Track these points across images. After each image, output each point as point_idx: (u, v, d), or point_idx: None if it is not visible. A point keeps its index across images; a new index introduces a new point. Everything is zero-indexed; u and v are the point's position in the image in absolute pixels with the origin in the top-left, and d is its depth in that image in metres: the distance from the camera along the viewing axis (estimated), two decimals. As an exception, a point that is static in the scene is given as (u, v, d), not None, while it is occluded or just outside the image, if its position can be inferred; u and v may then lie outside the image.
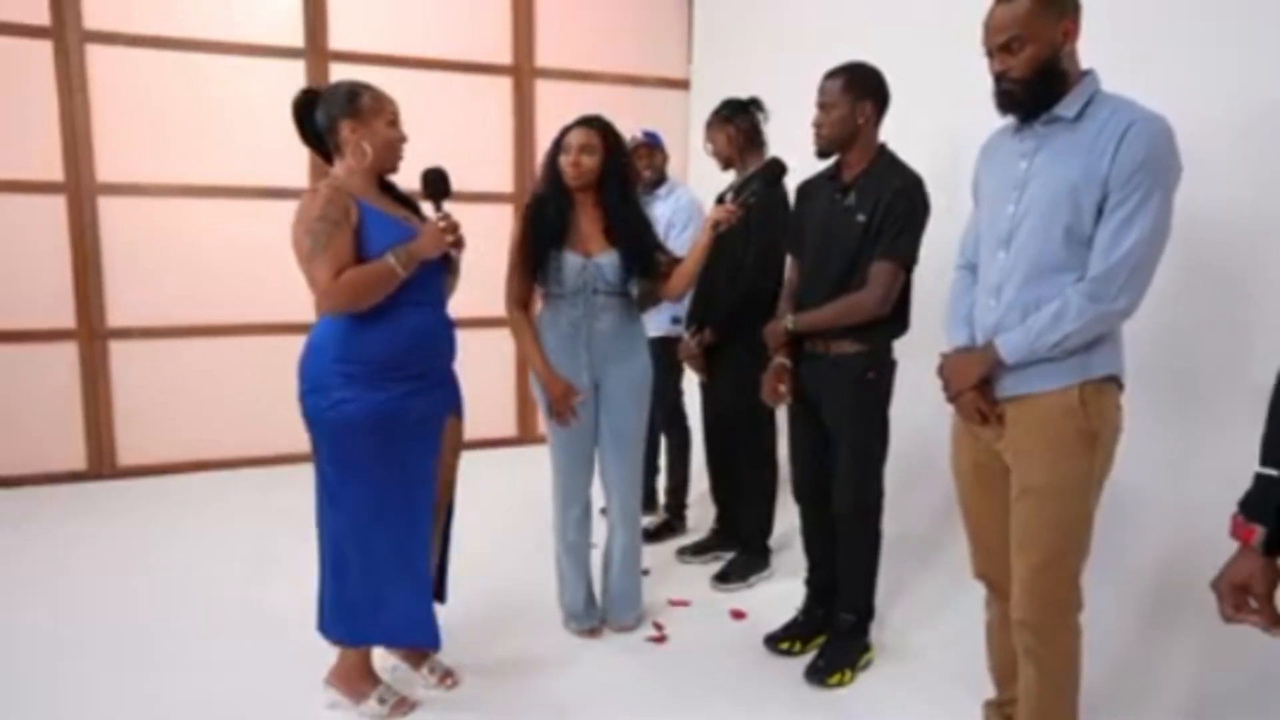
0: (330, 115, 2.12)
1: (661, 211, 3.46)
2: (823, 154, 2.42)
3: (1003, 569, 1.94)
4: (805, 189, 2.60)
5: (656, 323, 3.40)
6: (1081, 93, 1.71)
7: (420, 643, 2.37)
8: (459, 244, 2.19)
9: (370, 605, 2.23)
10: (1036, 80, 1.70)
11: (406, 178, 2.28)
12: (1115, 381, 1.78)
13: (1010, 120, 1.86)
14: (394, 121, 2.17)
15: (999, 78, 1.74)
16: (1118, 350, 1.79)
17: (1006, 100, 1.75)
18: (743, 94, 3.20)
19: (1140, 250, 1.63)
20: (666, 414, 3.64)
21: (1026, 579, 1.80)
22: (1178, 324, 2.26)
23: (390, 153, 2.17)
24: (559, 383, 2.56)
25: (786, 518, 3.20)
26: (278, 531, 3.56)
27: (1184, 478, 2.27)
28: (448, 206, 2.23)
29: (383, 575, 2.22)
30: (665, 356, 3.46)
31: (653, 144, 3.58)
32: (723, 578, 3.17)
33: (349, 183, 2.13)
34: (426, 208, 2.25)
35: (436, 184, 2.23)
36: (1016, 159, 1.80)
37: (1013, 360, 1.75)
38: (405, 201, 2.28)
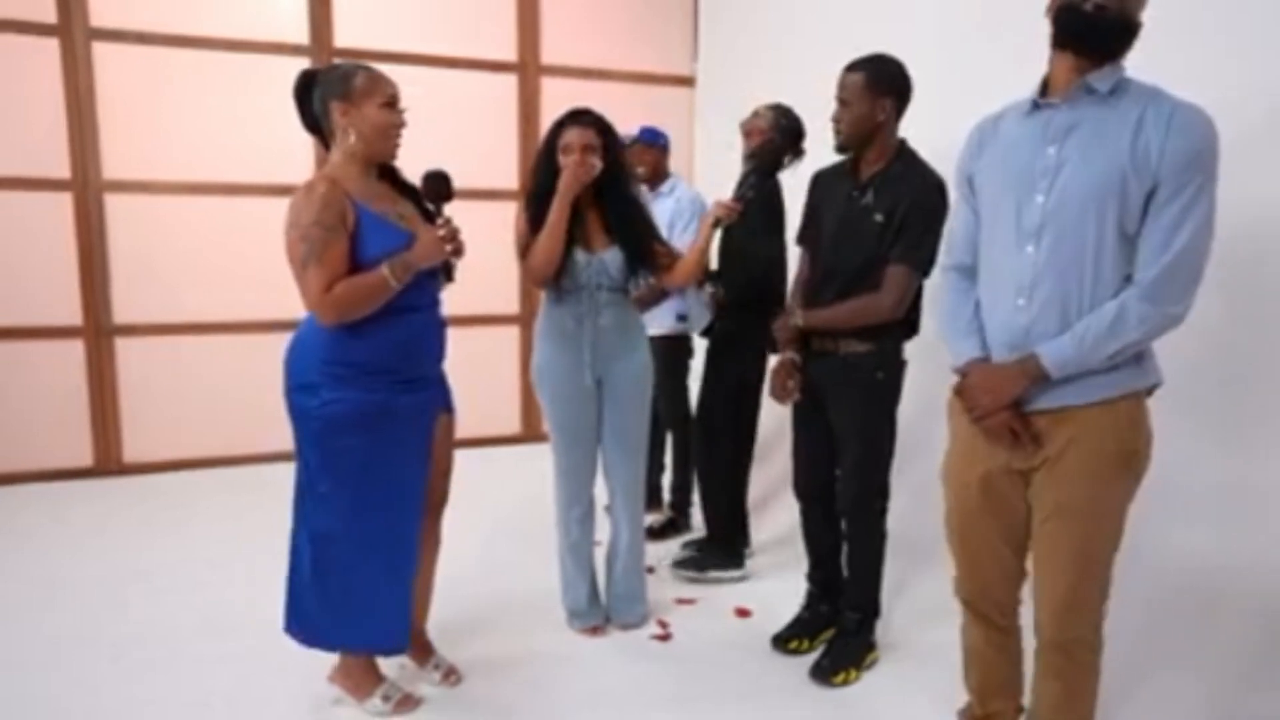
0: (323, 97, 2.04)
1: (664, 209, 3.45)
2: (842, 150, 2.37)
3: (994, 598, 1.87)
4: (819, 180, 2.56)
5: (661, 321, 3.40)
6: (1113, 71, 1.59)
7: (392, 647, 2.28)
8: (458, 252, 2.11)
9: (349, 609, 2.18)
10: (1120, 18, 1.54)
11: (411, 175, 2.25)
12: (1149, 391, 1.68)
13: (1007, 105, 1.77)
14: (390, 104, 2.06)
15: None
16: (1155, 356, 1.68)
17: (1095, 15, 1.54)
18: (746, 91, 3.21)
19: (1196, 249, 1.52)
20: (672, 412, 3.63)
21: (1057, 602, 1.70)
22: (1219, 326, 2.20)
23: (382, 138, 2.06)
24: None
25: (789, 514, 3.19)
26: (283, 529, 3.55)
27: (1200, 482, 2.24)
28: (449, 210, 2.15)
29: (364, 578, 2.17)
30: (670, 354, 3.46)
31: (649, 141, 3.56)
32: (679, 562, 3.21)
33: (345, 174, 2.05)
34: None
35: (438, 187, 2.13)
36: (1040, 144, 1.63)
37: (1060, 374, 1.60)
38: (408, 190, 2.20)
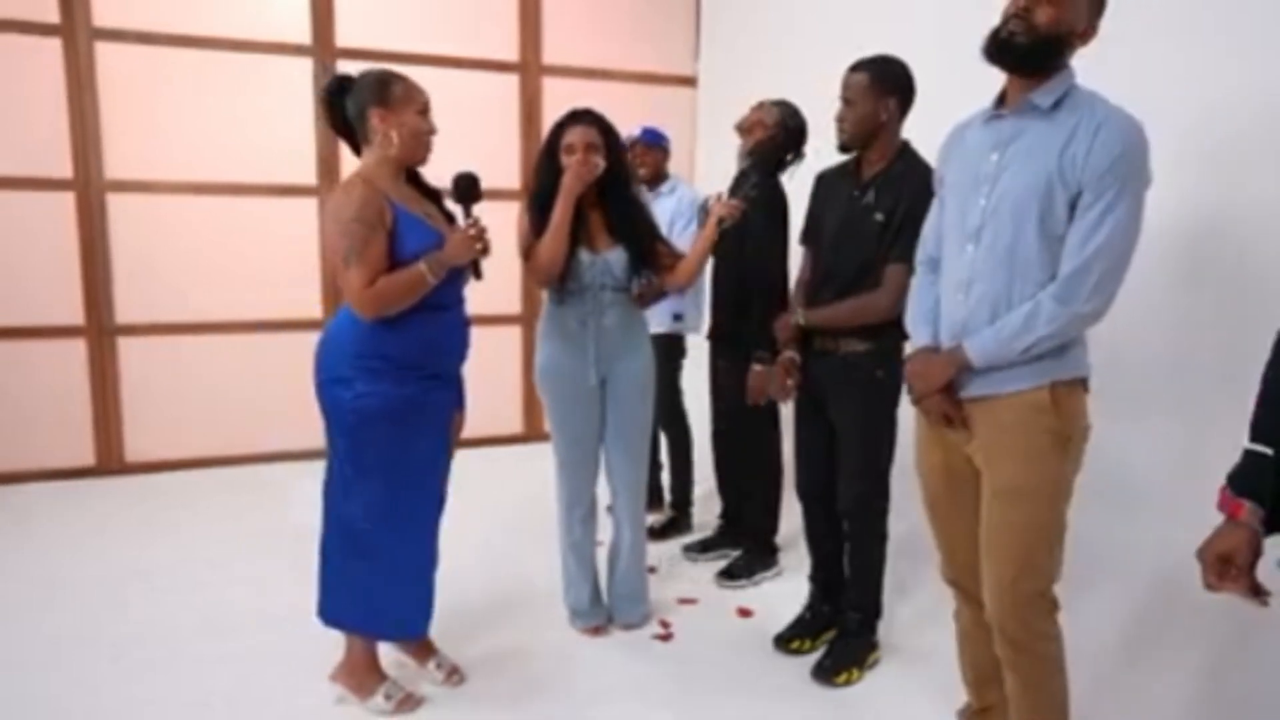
0: (360, 103, 2.12)
1: (664, 209, 3.45)
2: (844, 149, 2.38)
3: (973, 574, 1.91)
4: (823, 180, 2.56)
5: (659, 319, 3.39)
6: (1059, 84, 1.67)
7: (413, 634, 2.40)
8: (486, 250, 2.20)
9: (376, 596, 2.26)
10: (1045, 41, 1.63)
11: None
12: (1083, 384, 1.75)
13: (976, 112, 1.84)
14: (424, 112, 2.16)
15: (1016, 15, 1.64)
16: (1085, 352, 1.76)
17: (1006, 42, 1.66)
18: (748, 91, 3.20)
19: (1110, 251, 1.60)
20: (665, 410, 3.61)
21: (1001, 586, 1.76)
22: (1176, 319, 2.24)
23: (418, 144, 2.16)
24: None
25: (793, 515, 3.20)
26: (285, 528, 3.57)
27: (1179, 478, 2.24)
28: (476, 209, 2.23)
29: (391, 565, 2.25)
30: (666, 353, 3.44)
31: (651, 142, 3.56)
32: (727, 574, 3.16)
33: (378, 175, 2.12)
34: (455, 211, 2.27)
35: (467, 189, 2.22)
36: (987, 151, 1.75)
37: (981, 364, 1.72)
38: (431, 194, 2.28)
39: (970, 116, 1.87)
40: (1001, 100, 1.76)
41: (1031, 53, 1.65)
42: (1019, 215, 1.67)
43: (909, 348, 1.92)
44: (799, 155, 3.02)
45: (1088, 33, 1.67)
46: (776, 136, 2.98)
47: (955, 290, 1.79)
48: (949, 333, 1.81)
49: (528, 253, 2.55)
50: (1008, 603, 1.76)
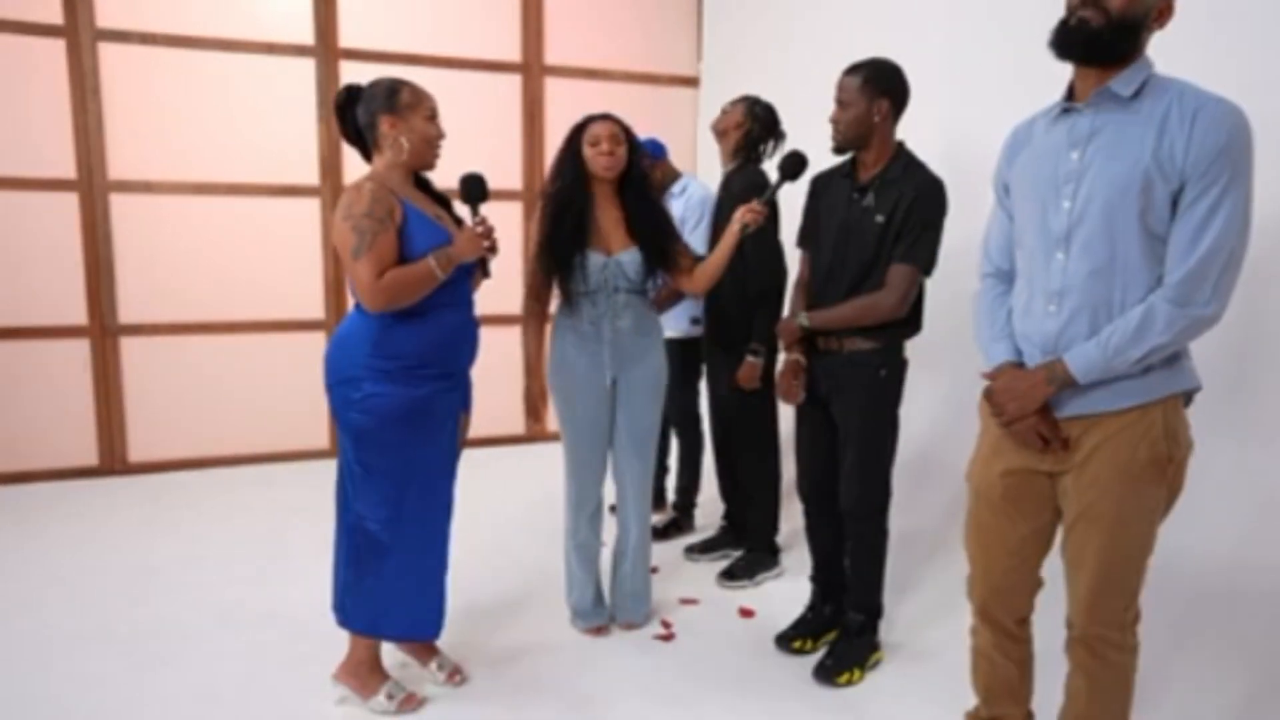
0: (370, 111, 2.16)
1: (675, 209, 3.44)
2: (839, 150, 2.39)
3: (1003, 599, 1.84)
4: (819, 183, 2.57)
5: (675, 323, 3.37)
6: (1137, 71, 1.55)
7: (426, 635, 2.41)
8: (494, 248, 2.23)
9: (387, 597, 2.27)
10: (1120, 26, 1.51)
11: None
12: (1188, 396, 1.63)
13: (1039, 110, 1.75)
14: (432, 117, 2.20)
15: (1084, 1, 1.53)
16: (1190, 359, 1.63)
17: (1077, 31, 1.54)
18: (750, 91, 3.22)
19: (1227, 248, 1.47)
20: (681, 415, 3.61)
21: (1085, 600, 1.69)
22: (1228, 325, 2.17)
23: (427, 148, 2.20)
24: (540, 384, 2.66)
25: (794, 516, 3.20)
26: (288, 527, 3.58)
27: (1229, 486, 2.23)
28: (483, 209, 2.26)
29: (403, 567, 2.26)
30: (683, 357, 3.43)
31: (652, 156, 3.53)
32: (729, 575, 3.17)
33: (389, 177, 2.16)
34: (463, 211, 2.30)
35: (474, 189, 2.27)
36: (1064, 149, 1.62)
37: (1087, 379, 1.57)
38: (440, 199, 2.31)
39: (1032, 115, 1.76)
40: (1070, 96, 1.65)
41: (1105, 38, 1.52)
42: (1114, 216, 1.54)
43: (985, 366, 1.80)
44: (779, 137, 3.11)
45: (1164, 14, 1.55)
46: (750, 131, 3.06)
47: (1044, 301, 1.65)
48: (1039, 347, 1.67)
49: (529, 293, 2.64)
50: (1094, 616, 1.69)
